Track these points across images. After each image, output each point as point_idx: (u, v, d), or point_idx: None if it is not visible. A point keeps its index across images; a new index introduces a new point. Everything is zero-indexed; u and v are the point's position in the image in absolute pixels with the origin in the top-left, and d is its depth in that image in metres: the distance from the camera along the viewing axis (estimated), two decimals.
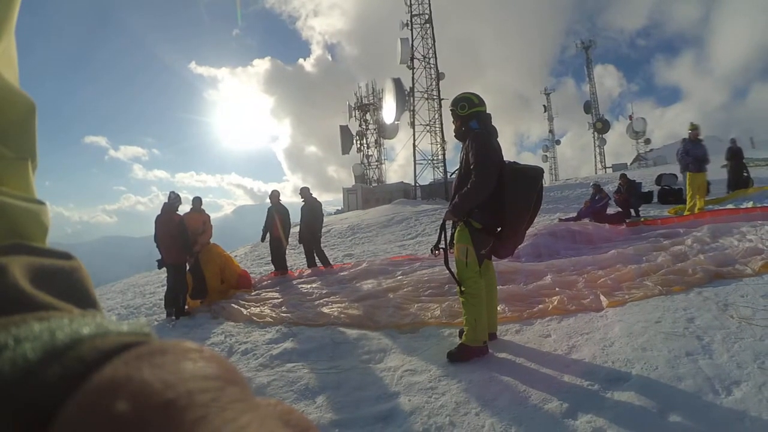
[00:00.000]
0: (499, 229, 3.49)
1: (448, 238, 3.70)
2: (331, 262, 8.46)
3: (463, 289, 3.45)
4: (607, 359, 3.04)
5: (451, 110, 3.74)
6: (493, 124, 3.67)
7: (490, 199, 3.39)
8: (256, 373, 3.72)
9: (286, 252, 8.60)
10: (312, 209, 8.50)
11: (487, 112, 3.67)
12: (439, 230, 3.77)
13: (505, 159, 3.56)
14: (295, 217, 8.73)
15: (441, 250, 3.72)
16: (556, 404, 2.60)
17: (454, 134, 3.76)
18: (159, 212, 6.67)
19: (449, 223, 3.72)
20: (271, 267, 8.44)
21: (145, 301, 7.31)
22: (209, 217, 7.42)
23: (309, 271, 8.04)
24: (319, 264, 8.35)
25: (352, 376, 3.40)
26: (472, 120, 3.60)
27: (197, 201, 7.46)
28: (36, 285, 0.24)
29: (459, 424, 2.57)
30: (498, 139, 3.64)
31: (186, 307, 6.39)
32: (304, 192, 8.61)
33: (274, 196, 8.52)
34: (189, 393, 0.17)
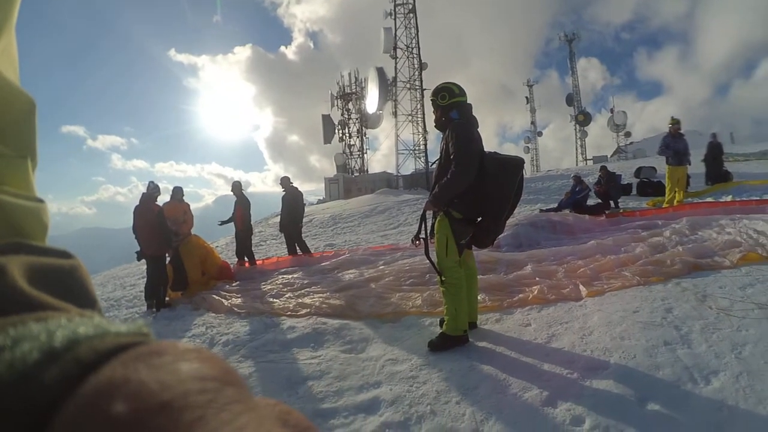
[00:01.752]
0: (479, 219, 3.50)
1: (429, 228, 3.70)
2: (311, 251, 8.48)
3: (443, 278, 3.47)
4: (586, 348, 3.09)
5: (431, 100, 3.73)
6: (474, 114, 3.67)
7: (470, 189, 3.39)
8: (238, 364, 3.70)
9: (252, 242, 8.65)
10: (293, 198, 8.48)
11: (468, 102, 3.67)
12: (419, 220, 3.77)
13: (486, 149, 3.57)
14: (276, 207, 8.69)
15: (422, 239, 3.73)
16: (535, 392, 2.63)
17: (434, 124, 3.76)
18: (138, 203, 6.56)
19: (430, 213, 3.73)
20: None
21: (126, 293, 7.21)
22: (189, 206, 7.32)
23: (288, 258, 8.05)
24: (299, 252, 8.36)
25: (334, 366, 3.40)
26: (452, 110, 3.59)
27: (178, 191, 7.37)
28: (35, 285, 0.24)
29: (440, 412, 2.59)
30: (479, 130, 3.64)
31: (167, 299, 6.32)
32: (285, 182, 8.60)
33: (236, 187, 8.38)
34: (186, 394, 0.17)
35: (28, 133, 0.36)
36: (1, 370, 0.17)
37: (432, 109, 3.76)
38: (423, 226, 3.73)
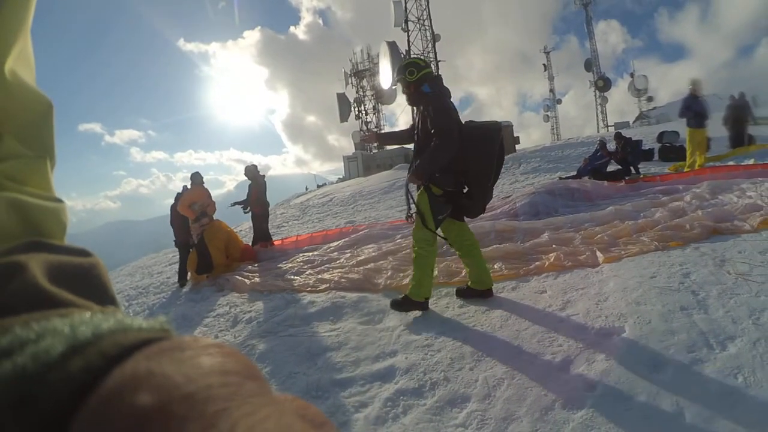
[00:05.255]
0: (466, 190, 3.56)
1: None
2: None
3: (416, 248, 3.57)
4: (600, 314, 3.07)
5: (399, 79, 3.73)
6: (445, 85, 3.71)
7: (452, 161, 3.42)
8: (260, 339, 3.80)
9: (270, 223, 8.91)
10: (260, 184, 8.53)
11: (437, 74, 3.72)
12: (405, 196, 3.83)
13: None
14: (296, 188, 8.81)
15: (414, 215, 3.77)
16: (548, 358, 2.66)
17: (406, 101, 3.77)
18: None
19: (413, 187, 3.77)
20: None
21: (153, 281, 7.41)
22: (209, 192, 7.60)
23: (308, 237, 8.16)
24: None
25: (352, 337, 3.48)
26: (422, 84, 3.59)
27: (197, 176, 7.72)
28: (55, 283, 0.25)
29: (453, 379, 2.65)
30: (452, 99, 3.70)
31: (192, 282, 6.67)
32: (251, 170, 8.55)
33: (250, 170, 8.37)
34: (209, 387, 0.17)
35: (47, 133, 0.37)
36: (25, 362, 0.18)
37: (403, 88, 3.73)
38: (410, 201, 3.77)
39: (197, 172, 7.71)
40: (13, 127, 0.35)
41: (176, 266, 7.59)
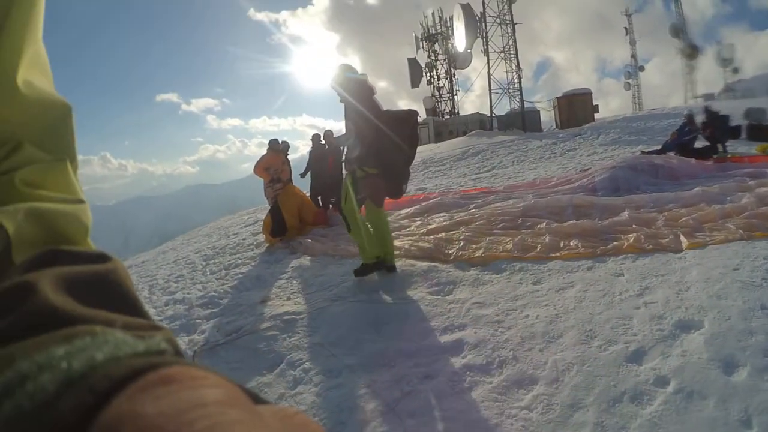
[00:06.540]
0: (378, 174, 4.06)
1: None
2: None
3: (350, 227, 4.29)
4: (681, 304, 2.94)
5: (332, 87, 4.21)
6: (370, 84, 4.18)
7: (369, 150, 3.98)
8: (331, 303, 3.89)
9: None
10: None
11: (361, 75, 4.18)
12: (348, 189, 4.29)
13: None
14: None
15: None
16: (621, 347, 2.58)
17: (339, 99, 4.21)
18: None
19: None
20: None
21: (229, 242, 7.70)
22: (287, 156, 8.09)
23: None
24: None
25: (420, 307, 3.51)
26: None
27: (274, 142, 8.07)
28: (68, 295, 0.25)
29: (522, 359, 2.63)
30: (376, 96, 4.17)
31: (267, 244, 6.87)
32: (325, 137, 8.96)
33: (328, 136, 8.78)
34: (189, 422, 0.17)
35: (66, 136, 0.39)
36: (23, 402, 0.18)
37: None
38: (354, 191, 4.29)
39: (275, 139, 8.06)
40: (32, 134, 0.37)
41: (251, 228, 8.21)
